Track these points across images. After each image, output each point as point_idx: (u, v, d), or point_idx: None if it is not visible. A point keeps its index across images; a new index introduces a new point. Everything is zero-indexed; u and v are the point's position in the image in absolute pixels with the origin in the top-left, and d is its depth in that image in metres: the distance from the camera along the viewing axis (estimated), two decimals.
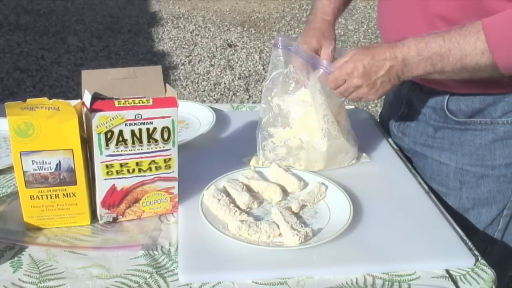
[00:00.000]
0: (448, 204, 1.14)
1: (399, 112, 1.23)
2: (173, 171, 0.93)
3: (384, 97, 1.35)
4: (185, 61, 4.17)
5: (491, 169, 1.09)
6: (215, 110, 1.34)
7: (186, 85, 3.77)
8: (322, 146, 1.07)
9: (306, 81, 1.07)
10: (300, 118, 1.08)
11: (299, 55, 1.07)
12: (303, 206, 0.97)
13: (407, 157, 1.23)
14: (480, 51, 0.90)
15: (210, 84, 3.80)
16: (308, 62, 1.06)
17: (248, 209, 0.96)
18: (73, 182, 0.88)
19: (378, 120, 1.40)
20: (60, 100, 0.86)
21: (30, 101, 0.85)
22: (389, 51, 0.95)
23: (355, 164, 1.13)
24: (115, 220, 0.93)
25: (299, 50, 1.07)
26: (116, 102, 0.86)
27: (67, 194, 0.89)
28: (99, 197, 0.91)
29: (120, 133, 0.86)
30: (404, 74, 0.97)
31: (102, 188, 0.90)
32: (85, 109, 0.87)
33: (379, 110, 1.43)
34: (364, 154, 1.15)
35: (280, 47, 1.07)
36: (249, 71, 4.01)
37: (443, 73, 0.95)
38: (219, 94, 3.67)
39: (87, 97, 0.86)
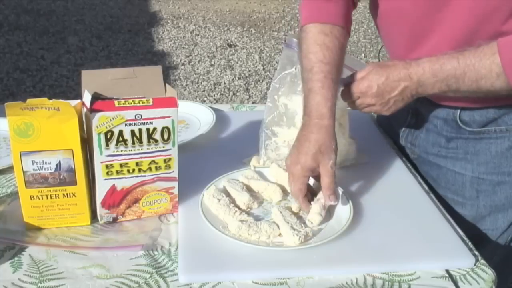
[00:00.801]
0: (464, 213, 1.13)
1: (405, 122, 1.20)
2: (173, 171, 0.93)
3: None
4: (185, 61, 4.17)
5: (507, 176, 1.07)
6: (215, 110, 1.34)
7: (186, 85, 3.77)
8: None
9: None
10: (299, 120, 1.08)
11: None
12: None
13: (409, 160, 1.23)
14: (495, 74, 0.89)
15: (210, 84, 3.80)
16: None
17: (248, 209, 0.96)
18: (73, 182, 0.88)
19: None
20: (60, 100, 0.86)
21: (30, 101, 0.85)
22: (403, 72, 0.94)
23: (355, 164, 1.13)
24: (115, 220, 0.93)
25: None
26: (116, 102, 0.86)
27: (67, 194, 0.89)
28: (99, 197, 0.91)
29: (120, 133, 0.86)
30: (418, 93, 0.96)
31: (102, 188, 0.90)
32: (85, 109, 0.87)
33: None
34: (364, 155, 1.15)
35: (293, 47, 1.07)
36: (249, 71, 4.01)
37: (459, 92, 0.94)
38: (219, 94, 3.67)
39: (87, 97, 0.86)
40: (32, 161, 0.85)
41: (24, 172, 0.85)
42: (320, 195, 0.94)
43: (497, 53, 0.88)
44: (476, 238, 0.94)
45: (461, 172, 1.12)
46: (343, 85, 1.02)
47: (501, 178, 1.08)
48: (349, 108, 1.09)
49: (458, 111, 1.07)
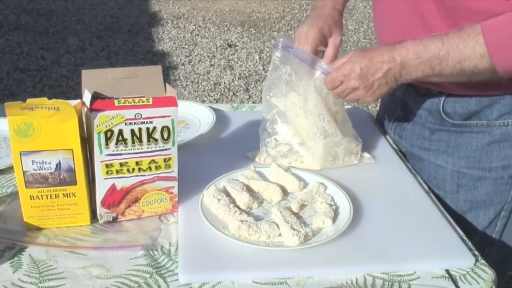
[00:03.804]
0: (445, 206, 1.13)
1: (395, 114, 1.23)
2: (173, 171, 0.93)
3: (381, 98, 1.34)
4: (185, 61, 4.17)
5: (488, 172, 1.08)
6: (215, 110, 1.34)
7: (186, 85, 3.77)
8: (318, 144, 1.08)
9: (297, 83, 1.08)
10: (291, 120, 1.09)
11: (298, 57, 1.07)
12: (303, 206, 0.97)
13: (406, 158, 1.23)
14: (479, 55, 0.89)
15: (210, 84, 3.80)
16: (306, 63, 1.06)
17: (248, 209, 0.96)
18: (73, 182, 0.88)
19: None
20: (60, 100, 0.86)
21: (30, 101, 0.85)
22: (387, 54, 0.95)
23: (357, 164, 1.13)
24: (115, 219, 0.93)
25: (298, 52, 1.07)
26: (116, 101, 0.86)
27: (67, 194, 0.89)
28: (99, 197, 0.90)
29: (120, 132, 0.86)
30: (402, 76, 0.96)
31: (102, 188, 0.90)
32: (85, 108, 0.87)
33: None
34: (369, 155, 1.15)
35: (280, 48, 1.08)
36: (249, 71, 4.01)
37: (442, 76, 0.95)
38: (219, 94, 3.67)
39: (87, 97, 0.86)
40: (32, 161, 0.85)
41: (24, 172, 0.85)
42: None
43: (480, 34, 0.89)
44: None
45: (442, 165, 1.13)
46: (326, 73, 1.02)
47: (481, 174, 1.09)
48: (348, 106, 1.09)
49: (442, 101, 1.08)
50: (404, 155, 1.23)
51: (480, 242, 1.12)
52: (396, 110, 1.22)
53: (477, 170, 1.09)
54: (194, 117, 1.33)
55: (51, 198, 0.88)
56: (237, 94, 3.67)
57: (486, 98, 1.04)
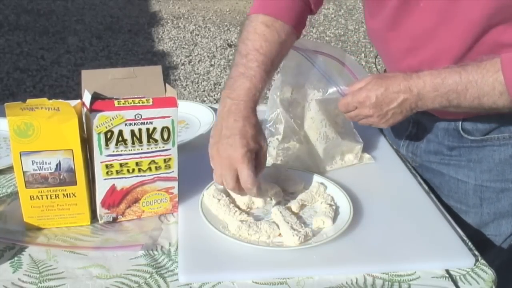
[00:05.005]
0: (468, 220, 1.12)
1: (406, 131, 1.19)
2: (173, 171, 0.93)
3: None
4: (185, 61, 4.17)
5: (511, 183, 1.07)
6: (215, 110, 1.34)
7: (186, 85, 3.77)
8: (319, 147, 1.08)
9: (308, 91, 1.08)
10: (294, 121, 1.09)
11: (315, 65, 1.06)
12: (303, 206, 0.97)
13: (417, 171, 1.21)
14: (498, 92, 0.88)
15: (210, 84, 3.80)
16: (322, 74, 1.06)
17: (248, 209, 0.96)
18: (73, 182, 0.88)
19: None
20: (60, 100, 0.86)
21: (30, 101, 0.85)
22: (404, 84, 0.92)
23: (357, 164, 1.13)
24: (115, 220, 0.93)
25: (316, 60, 1.07)
26: (116, 102, 0.86)
27: (67, 194, 0.89)
28: (99, 197, 0.90)
29: (120, 133, 0.86)
30: (418, 106, 0.94)
31: (102, 188, 0.90)
32: (85, 109, 0.87)
33: None
34: (369, 156, 1.15)
35: (299, 51, 1.08)
36: None
37: (459, 108, 0.93)
38: (219, 94, 3.67)
39: (87, 97, 0.86)
40: (32, 161, 0.85)
41: (24, 172, 0.85)
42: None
43: (500, 71, 0.87)
44: (479, 244, 0.93)
45: (464, 180, 1.11)
46: (341, 94, 1.02)
47: (505, 185, 1.07)
48: None
49: (460, 121, 1.06)
50: (414, 168, 1.19)
51: (500, 249, 1.11)
52: (407, 127, 1.18)
53: (500, 183, 1.07)
54: (194, 117, 1.33)
55: (51, 198, 0.88)
56: None
57: (507, 114, 1.01)
